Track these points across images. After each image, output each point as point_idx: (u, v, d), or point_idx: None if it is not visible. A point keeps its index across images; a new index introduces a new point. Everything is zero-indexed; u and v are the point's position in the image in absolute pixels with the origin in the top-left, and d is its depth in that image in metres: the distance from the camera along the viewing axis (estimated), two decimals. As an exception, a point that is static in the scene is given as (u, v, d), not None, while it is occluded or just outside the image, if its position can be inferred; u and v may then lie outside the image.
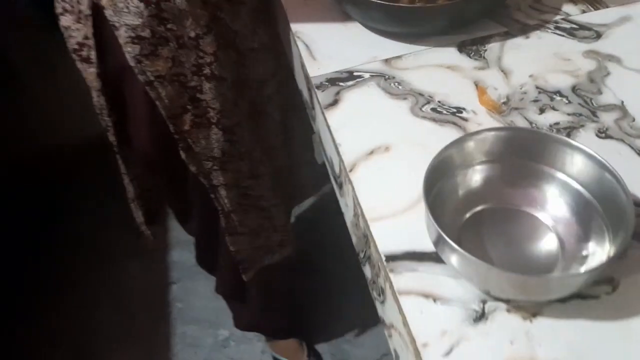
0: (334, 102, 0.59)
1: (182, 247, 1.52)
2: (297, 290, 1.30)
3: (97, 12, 0.76)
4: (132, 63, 0.77)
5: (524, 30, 0.65)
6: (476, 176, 0.47)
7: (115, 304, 1.43)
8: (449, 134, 0.54)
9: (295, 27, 0.71)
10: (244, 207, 0.97)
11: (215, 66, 0.82)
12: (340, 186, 0.57)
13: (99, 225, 1.57)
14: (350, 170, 0.52)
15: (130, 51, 0.76)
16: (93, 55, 0.80)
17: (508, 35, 0.65)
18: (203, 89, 0.83)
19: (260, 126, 0.97)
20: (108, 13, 0.75)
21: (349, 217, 0.56)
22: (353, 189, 0.50)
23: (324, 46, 0.67)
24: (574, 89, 0.57)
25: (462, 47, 0.64)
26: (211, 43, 0.81)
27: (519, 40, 0.64)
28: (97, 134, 0.88)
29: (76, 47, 0.81)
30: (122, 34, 0.76)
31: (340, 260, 1.34)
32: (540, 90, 0.57)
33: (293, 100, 1.07)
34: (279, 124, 1.03)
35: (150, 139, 0.88)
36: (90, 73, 0.82)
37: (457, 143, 0.45)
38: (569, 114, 0.54)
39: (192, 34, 0.79)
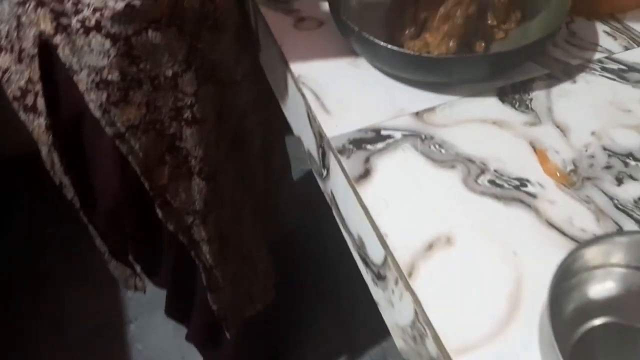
0: (366, 174, 0.48)
1: None
2: (277, 338, 1.19)
3: (45, 51, 0.61)
4: (97, 113, 0.63)
5: (568, 71, 0.56)
6: (606, 282, 0.37)
7: (65, 345, 1.26)
8: (519, 216, 0.44)
9: (295, 68, 0.59)
10: (226, 259, 0.86)
11: (197, 108, 0.70)
12: (383, 281, 0.46)
13: (40, 251, 1.38)
14: (410, 275, 0.41)
15: (94, 99, 0.62)
16: (41, 103, 0.64)
17: (551, 78, 0.56)
18: (183, 135, 0.71)
19: (240, 162, 0.86)
20: (63, 53, 0.60)
21: (397, 331, 0.45)
22: (418, 303, 0.39)
23: (335, 94, 0.56)
24: (646, 150, 0.49)
25: (503, 96, 0.54)
26: (191, 81, 0.68)
27: (566, 86, 0.55)
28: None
29: (18, 94, 0.65)
30: (83, 79, 0.61)
31: (321, 302, 1.25)
32: (609, 152, 0.48)
33: (272, 125, 0.95)
34: (258, 156, 0.92)
35: (119, 199, 0.74)
36: (37, 126, 0.66)
37: (595, 244, 0.35)
38: (651, 185, 0.46)
39: (169, 73, 0.66)
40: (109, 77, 0.63)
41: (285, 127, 1.00)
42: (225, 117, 0.80)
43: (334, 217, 0.56)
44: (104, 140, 0.68)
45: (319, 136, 0.54)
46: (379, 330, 1.19)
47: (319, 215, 1.26)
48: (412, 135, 0.51)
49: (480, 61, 0.51)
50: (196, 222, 0.78)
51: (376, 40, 0.51)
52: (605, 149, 0.49)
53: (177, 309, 0.99)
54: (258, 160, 0.93)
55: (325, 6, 0.65)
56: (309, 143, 0.60)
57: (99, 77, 0.63)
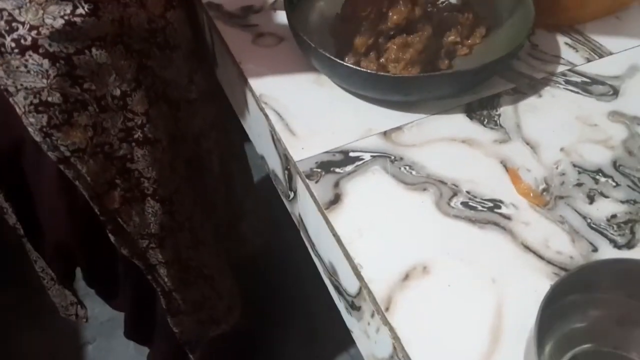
0: (336, 199, 0.46)
1: (91, 299, 1.30)
2: (245, 356, 1.15)
3: None
4: (37, 137, 0.58)
5: (533, 86, 0.56)
6: (588, 310, 0.36)
7: None
8: (495, 240, 0.43)
9: (256, 86, 0.56)
10: (186, 282, 0.82)
11: (148, 127, 0.66)
12: (357, 312, 0.44)
13: None
14: (387, 310, 0.39)
15: (33, 122, 0.58)
16: None
17: (518, 93, 0.55)
18: (134, 157, 0.67)
19: (198, 184, 0.82)
20: None
21: None
22: (397, 339, 0.37)
23: (300, 114, 0.53)
24: (615, 165, 0.48)
25: (470, 112, 0.53)
26: (141, 100, 0.64)
27: (532, 100, 0.54)
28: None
29: None
30: (21, 101, 0.57)
31: (290, 319, 1.22)
32: (579, 169, 0.48)
33: (232, 147, 0.92)
34: (218, 177, 0.88)
35: (67, 226, 0.70)
36: None
37: (576, 274, 0.34)
38: (622, 202, 0.45)
39: (117, 92, 0.62)
40: (49, 98, 0.59)
41: (242, 145, 0.97)
42: (180, 137, 0.76)
43: (297, 239, 0.54)
44: (48, 166, 0.63)
45: (285, 158, 0.52)
46: (349, 348, 1.18)
47: (286, 230, 1.24)
48: (382, 156, 0.49)
49: (443, 80, 0.50)
50: (152, 245, 0.74)
51: (333, 58, 0.49)
52: (575, 165, 0.48)
53: (137, 332, 0.95)
54: (218, 181, 0.89)
55: (285, 21, 0.63)
56: (274, 164, 0.57)
57: (38, 99, 0.58)
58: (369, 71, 0.48)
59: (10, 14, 0.54)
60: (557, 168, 0.48)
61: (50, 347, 1.23)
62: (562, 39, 0.61)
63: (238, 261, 1.01)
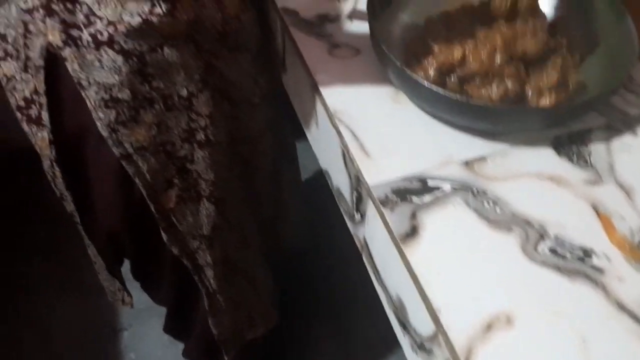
0: (413, 232, 0.43)
1: (130, 285, 1.32)
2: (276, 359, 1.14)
3: (53, 63, 0.56)
4: (104, 132, 0.58)
5: (628, 122, 0.52)
6: None
7: (54, 354, 1.21)
8: (586, 294, 0.40)
9: (331, 101, 0.54)
10: (230, 282, 0.82)
11: (211, 130, 0.65)
12: (426, 353, 0.42)
13: (28, 255, 1.32)
14: (467, 362, 0.36)
15: (102, 117, 0.57)
16: (45, 116, 0.60)
17: (611, 129, 0.51)
18: (195, 157, 0.66)
19: (250, 183, 0.81)
20: (71, 67, 0.55)
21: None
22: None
23: (375, 134, 0.51)
24: None
25: (558, 147, 0.50)
26: (207, 102, 0.63)
27: (627, 139, 0.50)
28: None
29: (22, 104, 0.60)
30: (92, 95, 0.56)
31: (323, 323, 1.20)
32: (682, 222, 0.44)
33: (284, 147, 0.91)
34: (268, 177, 0.87)
35: (121, 219, 0.70)
36: (40, 139, 0.61)
37: None
38: None
39: (184, 92, 0.61)
40: (119, 95, 0.58)
41: (295, 147, 0.96)
42: (238, 138, 0.75)
43: (339, 236, 0.52)
44: (110, 160, 0.63)
45: (356, 180, 0.50)
46: (381, 350, 1.15)
47: (324, 233, 1.22)
48: (463, 189, 0.46)
49: (535, 114, 0.47)
50: (202, 246, 0.74)
51: (419, 80, 0.46)
52: (675, 217, 0.44)
53: (176, 328, 0.95)
54: (268, 183, 0.88)
55: (361, 32, 0.60)
56: (340, 182, 0.55)
57: (109, 95, 0.58)
58: (458, 98, 0.45)
59: (89, 8, 0.54)
60: (655, 218, 0.44)
61: (86, 327, 1.24)
62: (660, 72, 0.57)
63: (278, 260, 1.00)
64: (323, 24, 0.62)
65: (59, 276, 1.29)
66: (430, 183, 0.47)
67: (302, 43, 0.60)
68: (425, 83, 0.45)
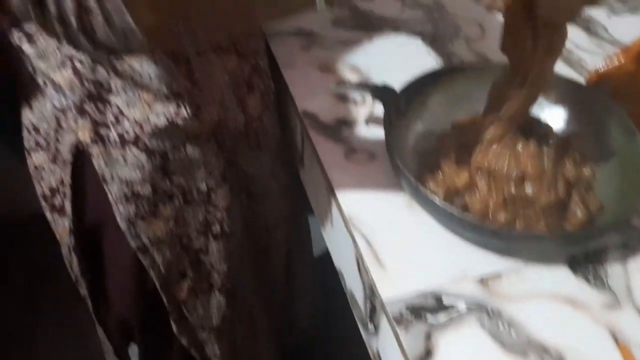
0: (427, 354, 0.43)
1: None
2: None
3: (80, 158, 0.58)
4: (123, 226, 0.59)
5: (644, 241, 0.52)
6: None
7: None
8: None
9: (346, 207, 0.55)
10: None
11: (227, 222, 0.66)
12: None
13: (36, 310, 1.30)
14: None
15: (122, 211, 0.59)
16: (68, 206, 0.62)
17: (627, 248, 0.51)
18: (209, 249, 0.67)
19: (262, 274, 0.81)
20: (97, 163, 0.57)
21: None
22: None
23: (390, 244, 0.51)
24: None
25: (575, 265, 0.49)
26: (225, 195, 0.65)
27: (644, 260, 0.50)
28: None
29: (47, 193, 0.62)
30: (114, 190, 0.58)
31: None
32: (703, 354, 0.43)
33: (299, 238, 0.91)
34: (282, 267, 0.87)
35: (133, 308, 0.70)
36: (62, 227, 0.63)
37: None
38: None
39: (204, 187, 0.63)
40: (140, 190, 0.60)
41: (310, 237, 0.96)
42: (253, 229, 0.76)
43: (350, 319, 0.51)
44: (126, 251, 0.64)
45: (370, 290, 0.49)
46: None
47: (336, 316, 1.20)
48: (478, 309, 0.46)
49: (551, 239, 0.47)
50: (211, 338, 0.73)
51: (431, 197, 0.47)
52: (696, 348, 0.43)
53: None
54: (281, 274, 0.88)
55: (377, 137, 0.62)
56: (354, 287, 0.55)
57: (130, 190, 0.60)
58: (469, 219, 0.45)
59: (119, 108, 0.56)
60: (676, 349, 0.43)
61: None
62: (674, 189, 0.57)
63: (288, 349, 0.98)
64: (341, 128, 0.64)
65: (66, 334, 1.27)
66: (445, 301, 0.46)
67: (320, 146, 0.61)
68: (437, 201, 0.46)
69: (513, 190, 0.47)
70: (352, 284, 0.55)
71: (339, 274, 0.61)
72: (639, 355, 0.43)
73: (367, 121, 0.65)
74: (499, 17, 0.50)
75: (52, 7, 0.35)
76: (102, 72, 0.55)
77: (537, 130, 0.54)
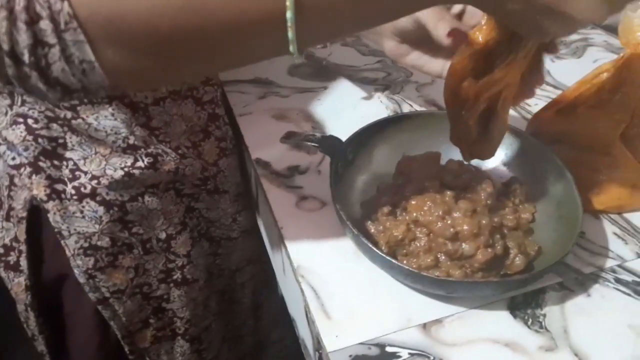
0: (369, 405, 0.43)
1: None
2: None
3: (35, 214, 0.59)
4: (81, 279, 0.60)
5: (581, 282, 0.54)
6: None
7: None
8: None
9: (294, 255, 0.56)
10: None
11: (188, 268, 0.67)
12: None
13: None
14: None
15: (80, 265, 0.59)
16: (24, 264, 0.62)
17: (564, 289, 0.53)
18: (171, 297, 0.67)
19: (229, 318, 0.81)
20: (53, 218, 0.57)
21: None
22: None
23: (337, 294, 0.52)
24: (674, 393, 0.45)
25: (514, 309, 0.51)
26: (185, 242, 0.66)
27: (580, 300, 0.52)
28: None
29: (1, 250, 0.62)
30: (72, 244, 0.58)
31: None
32: (635, 394, 0.45)
33: (265, 279, 0.91)
34: (248, 308, 0.87)
35: None
36: (17, 284, 0.63)
37: None
38: None
39: (163, 235, 0.64)
40: (99, 242, 0.60)
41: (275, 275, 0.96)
42: (216, 273, 0.76)
43: None
44: (86, 305, 0.64)
45: (317, 341, 0.50)
46: None
47: None
48: (420, 355, 0.47)
49: (490, 285, 0.48)
50: None
51: (374, 249, 0.48)
52: (629, 389, 0.45)
53: None
54: (247, 313, 0.88)
55: (328, 185, 0.64)
56: (305, 336, 0.56)
57: (88, 243, 0.60)
58: (411, 269, 0.47)
59: (75, 164, 0.57)
60: (609, 390, 0.45)
61: None
62: (610, 228, 0.60)
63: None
64: (293, 176, 0.65)
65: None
66: (388, 349, 0.47)
67: (271, 193, 0.63)
68: (378, 252, 0.47)
69: (450, 246, 0.49)
70: (304, 333, 0.56)
71: (293, 322, 0.61)
72: (573, 397, 0.44)
73: (319, 169, 0.66)
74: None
75: (4, 44, 0.31)
76: (56, 129, 0.56)
77: (476, 178, 0.56)
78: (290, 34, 0.35)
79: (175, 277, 0.68)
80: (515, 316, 0.50)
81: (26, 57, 0.32)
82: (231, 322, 0.84)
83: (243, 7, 0.34)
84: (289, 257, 0.56)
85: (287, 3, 0.33)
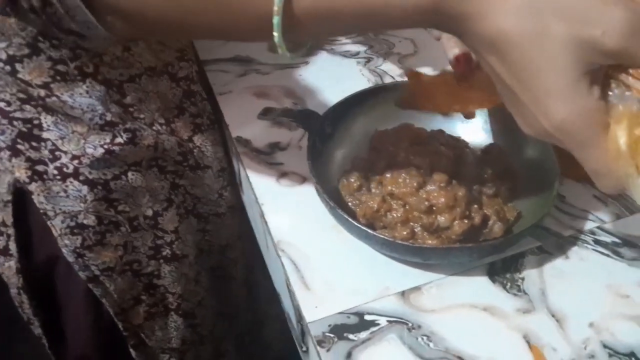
0: (347, 372, 0.44)
1: None
2: None
3: (21, 197, 0.59)
4: (70, 258, 0.60)
5: (560, 245, 0.54)
6: None
7: None
8: None
9: (275, 231, 0.56)
10: None
11: (177, 244, 0.67)
12: None
13: None
14: None
15: (68, 244, 0.59)
16: (13, 247, 0.62)
17: (543, 252, 0.53)
18: (161, 273, 0.68)
19: (222, 293, 0.82)
20: (38, 200, 0.57)
21: None
22: None
23: (316, 266, 0.52)
24: (649, 347, 0.45)
25: (493, 274, 0.51)
26: (172, 218, 0.66)
27: (558, 263, 0.52)
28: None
29: None
30: (58, 224, 0.59)
31: None
32: (610, 351, 0.45)
33: (257, 254, 0.92)
34: (242, 285, 0.88)
35: (91, 341, 0.70)
36: (7, 268, 0.63)
37: None
38: (658, 397, 0.42)
39: (149, 212, 0.64)
40: (85, 221, 0.61)
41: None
42: (207, 249, 0.77)
43: None
44: (78, 284, 0.64)
45: (298, 313, 0.51)
46: None
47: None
48: (399, 322, 0.47)
49: (465, 251, 0.49)
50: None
51: (350, 220, 0.48)
52: (605, 346, 0.45)
53: None
54: (241, 289, 0.89)
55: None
56: (288, 309, 0.56)
57: (74, 222, 0.60)
58: (385, 237, 0.47)
59: (53, 144, 0.57)
60: (585, 348, 0.45)
61: None
62: (590, 191, 0.60)
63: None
64: (274, 153, 0.65)
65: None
66: (367, 317, 0.48)
67: (252, 171, 0.63)
68: (355, 223, 0.48)
69: (425, 219, 0.49)
70: (287, 306, 0.57)
71: (279, 296, 0.62)
72: (549, 354, 0.44)
73: (300, 145, 0.66)
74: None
75: (24, 3, 0.39)
76: (30, 110, 0.55)
77: (455, 146, 0.56)
78: (277, 38, 0.37)
79: (164, 253, 0.68)
80: (494, 281, 0.51)
81: (41, 14, 0.39)
82: (225, 297, 0.85)
83: (227, 10, 0.37)
84: (269, 233, 0.56)
85: (275, 8, 0.35)
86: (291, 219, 0.57)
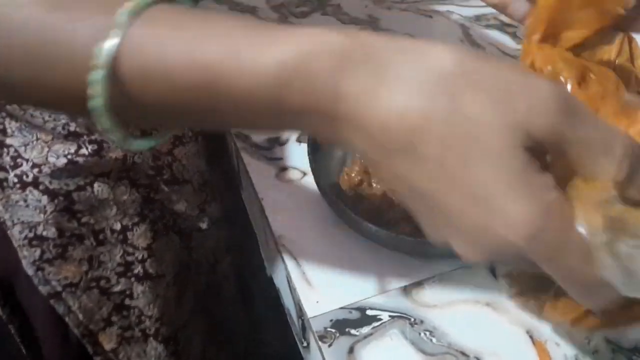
0: (350, 368, 0.43)
1: None
2: None
3: None
4: (29, 271, 0.57)
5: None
6: None
7: None
8: None
9: (276, 226, 0.55)
10: None
11: (150, 262, 0.63)
12: None
13: None
14: None
15: (26, 256, 0.56)
16: None
17: (545, 248, 0.53)
18: (133, 293, 0.63)
19: (214, 311, 0.78)
20: None
21: None
22: None
23: (318, 261, 0.52)
24: (654, 343, 0.45)
25: (494, 268, 0.51)
26: (144, 234, 0.62)
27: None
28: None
29: None
30: (16, 235, 0.56)
31: None
32: (614, 346, 0.45)
33: (250, 266, 0.90)
34: (235, 300, 0.84)
35: (62, 357, 0.66)
36: None
37: None
38: (663, 391, 0.42)
39: (117, 226, 0.60)
40: (44, 233, 0.57)
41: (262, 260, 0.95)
42: (189, 268, 0.73)
43: None
44: (40, 299, 0.61)
45: (299, 309, 0.50)
46: None
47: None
48: (401, 318, 0.47)
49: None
50: None
51: (352, 214, 0.48)
52: (609, 341, 0.45)
53: None
54: (236, 305, 0.86)
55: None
56: (289, 305, 0.56)
57: (33, 233, 0.57)
58: (388, 232, 0.46)
59: (16, 150, 0.55)
60: (588, 343, 0.45)
61: None
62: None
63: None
64: (273, 147, 0.65)
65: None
66: (369, 312, 0.47)
67: (251, 167, 0.62)
68: (357, 218, 0.47)
69: None
70: (287, 302, 0.56)
71: (279, 292, 0.61)
72: (552, 350, 0.44)
73: (299, 139, 0.66)
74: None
75: None
76: None
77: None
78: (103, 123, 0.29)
79: (136, 271, 0.64)
80: (495, 275, 0.50)
81: None
82: (215, 318, 0.81)
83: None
84: (270, 228, 0.56)
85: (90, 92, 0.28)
86: (291, 214, 0.57)
